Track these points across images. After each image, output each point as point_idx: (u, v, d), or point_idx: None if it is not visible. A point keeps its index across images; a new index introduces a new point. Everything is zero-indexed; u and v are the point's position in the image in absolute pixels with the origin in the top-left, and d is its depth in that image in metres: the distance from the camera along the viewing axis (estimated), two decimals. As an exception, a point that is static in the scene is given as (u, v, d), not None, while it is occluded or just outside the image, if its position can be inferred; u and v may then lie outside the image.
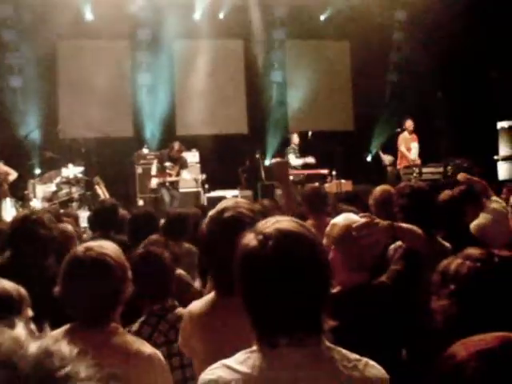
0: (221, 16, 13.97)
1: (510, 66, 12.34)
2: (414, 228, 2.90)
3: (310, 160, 12.53)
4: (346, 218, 2.84)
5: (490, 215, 4.22)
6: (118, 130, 13.50)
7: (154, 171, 11.30)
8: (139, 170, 12.37)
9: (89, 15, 13.02)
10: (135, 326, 3.19)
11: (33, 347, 0.78)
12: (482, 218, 4.23)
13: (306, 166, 12.53)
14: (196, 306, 2.50)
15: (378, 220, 2.77)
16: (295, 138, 12.97)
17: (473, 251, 1.79)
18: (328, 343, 1.71)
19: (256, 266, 1.66)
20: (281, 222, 1.72)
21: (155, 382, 2.38)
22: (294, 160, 12.47)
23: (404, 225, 2.92)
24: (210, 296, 2.50)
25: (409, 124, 12.65)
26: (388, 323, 2.69)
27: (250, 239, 1.70)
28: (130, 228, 5.31)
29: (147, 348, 2.43)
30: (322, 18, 14.66)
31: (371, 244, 2.71)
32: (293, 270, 1.63)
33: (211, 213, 2.49)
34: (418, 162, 12.49)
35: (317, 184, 5.96)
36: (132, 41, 13.66)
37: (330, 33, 14.57)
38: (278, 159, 11.99)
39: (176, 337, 2.63)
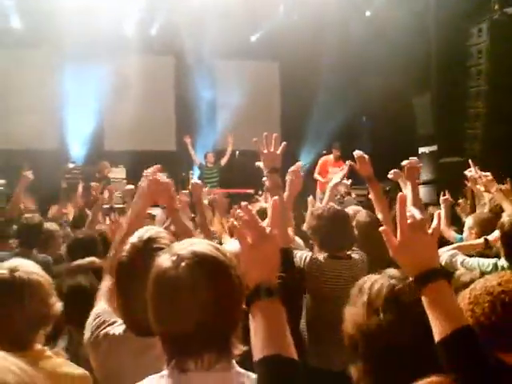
0: (152, 32, 13.93)
1: (430, 93, 12.77)
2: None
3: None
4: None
5: None
6: (44, 143, 13.17)
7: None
8: (64, 184, 12.10)
9: (16, 23, 12.70)
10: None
11: None
12: None
13: (229, 185, 12.62)
14: None
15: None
16: (210, 158, 13.13)
17: (391, 270, 1.90)
18: (239, 368, 1.70)
19: (167, 285, 1.64)
20: (196, 245, 1.72)
21: None
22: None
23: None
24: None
25: (335, 152, 13.03)
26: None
27: (164, 259, 1.68)
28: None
29: (75, 369, 2.37)
30: (253, 38, 14.84)
31: None
32: (203, 291, 1.60)
33: (133, 240, 2.20)
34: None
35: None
36: (61, 52, 13.37)
37: (260, 53, 14.75)
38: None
39: None
